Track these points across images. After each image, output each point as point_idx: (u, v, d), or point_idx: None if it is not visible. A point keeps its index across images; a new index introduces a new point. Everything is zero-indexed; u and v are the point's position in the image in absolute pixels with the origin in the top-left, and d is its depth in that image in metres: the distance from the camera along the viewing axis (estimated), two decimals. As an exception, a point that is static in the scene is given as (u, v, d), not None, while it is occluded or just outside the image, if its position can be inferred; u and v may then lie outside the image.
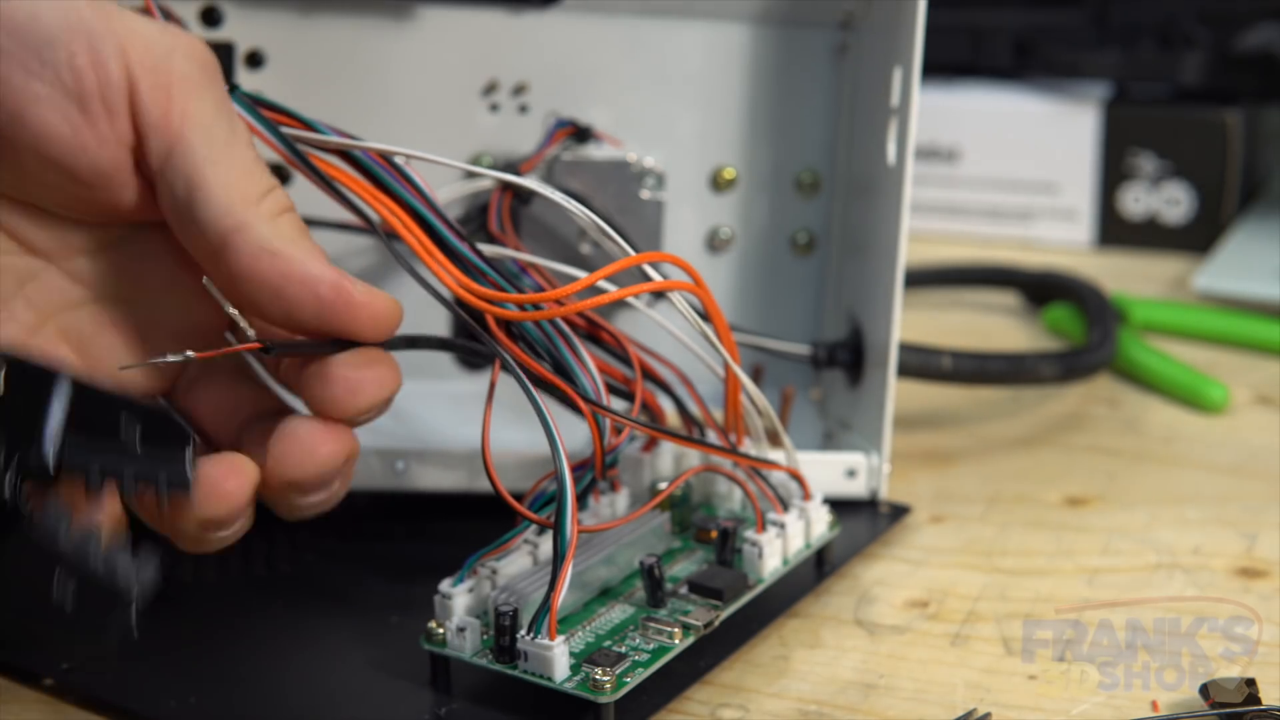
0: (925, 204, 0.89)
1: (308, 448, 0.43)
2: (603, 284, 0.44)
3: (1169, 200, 0.87)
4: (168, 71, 0.43)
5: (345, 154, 0.47)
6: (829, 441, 0.60)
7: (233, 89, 0.48)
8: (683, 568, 0.50)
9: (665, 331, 0.50)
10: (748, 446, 0.51)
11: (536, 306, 0.45)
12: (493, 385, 0.46)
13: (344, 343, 0.44)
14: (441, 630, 0.45)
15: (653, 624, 0.46)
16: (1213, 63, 0.86)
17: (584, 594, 0.47)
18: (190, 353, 0.42)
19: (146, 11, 0.51)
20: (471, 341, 0.46)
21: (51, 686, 0.47)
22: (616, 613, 0.47)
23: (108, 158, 0.42)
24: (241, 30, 0.57)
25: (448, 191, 0.55)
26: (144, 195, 0.44)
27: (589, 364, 0.46)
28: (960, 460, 0.63)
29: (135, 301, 0.46)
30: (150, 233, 0.45)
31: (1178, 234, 0.87)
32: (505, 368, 0.45)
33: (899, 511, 0.57)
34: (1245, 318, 0.75)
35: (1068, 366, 0.65)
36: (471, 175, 0.55)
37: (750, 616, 0.49)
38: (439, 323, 0.58)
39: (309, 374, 0.44)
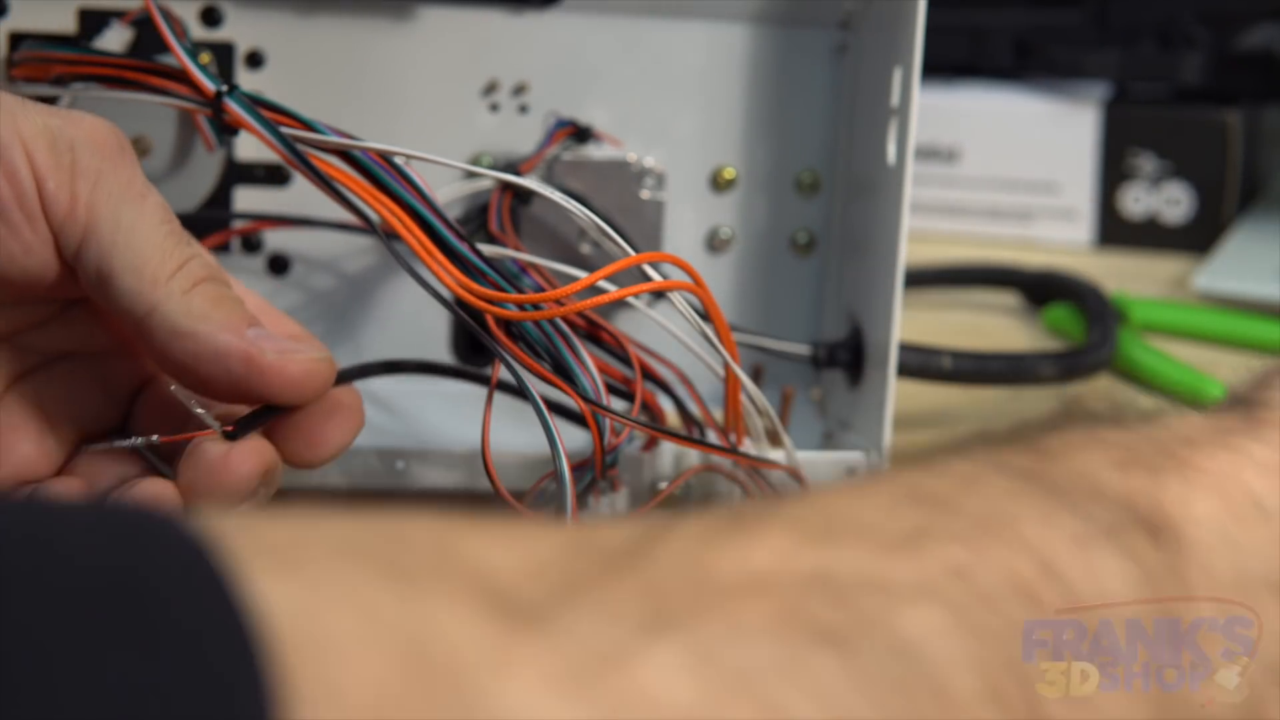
0: (925, 204, 0.89)
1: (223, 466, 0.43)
2: (603, 284, 0.44)
3: (1169, 200, 0.87)
4: (70, 166, 0.42)
5: (345, 154, 0.47)
6: (829, 441, 0.60)
7: (232, 89, 0.48)
8: (683, 568, 0.49)
9: (665, 331, 0.50)
10: (748, 446, 0.51)
11: (537, 306, 0.45)
12: (492, 389, 0.46)
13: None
14: (441, 630, 0.45)
15: (653, 624, 0.46)
16: (1213, 63, 0.86)
17: (584, 594, 0.47)
18: (155, 437, 0.43)
19: (146, 13, 0.51)
20: (447, 364, 0.46)
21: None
22: (616, 613, 0.47)
23: (36, 261, 0.42)
24: (241, 30, 0.57)
25: (448, 191, 0.55)
26: (74, 279, 0.44)
27: (589, 364, 0.46)
28: (960, 460, 0.62)
29: (84, 361, 0.46)
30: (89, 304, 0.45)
31: (1178, 234, 0.87)
32: (505, 368, 0.45)
33: (899, 511, 0.57)
34: (1245, 318, 0.75)
35: (1068, 366, 0.65)
36: (471, 175, 0.55)
37: (750, 616, 0.49)
38: (439, 322, 0.58)
39: (276, 434, 0.44)
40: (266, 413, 0.43)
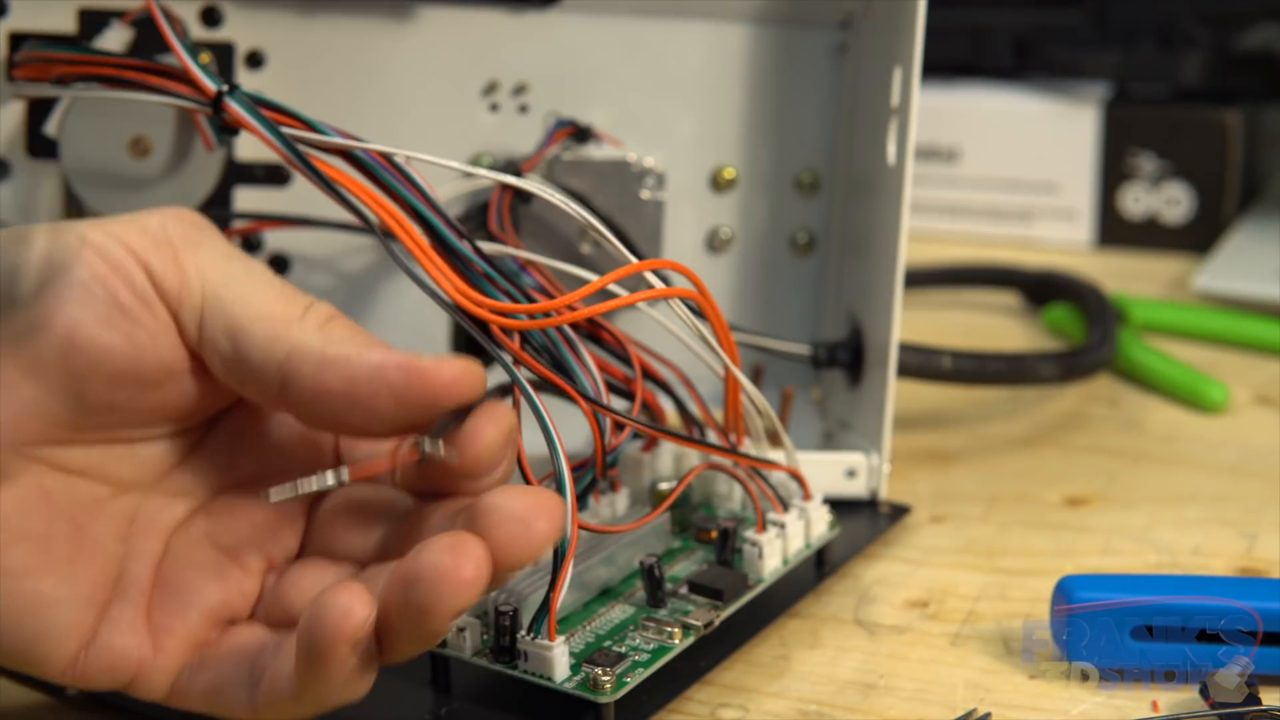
0: (925, 204, 0.89)
1: (525, 522, 0.40)
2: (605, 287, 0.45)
3: (1169, 200, 0.87)
4: (168, 242, 0.42)
5: (346, 154, 0.47)
6: (829, 441, 0.60)
7: (232, 89, 0.48)
8: (683, 568, 0.50)
9: (666, 331, 0.50)
10: (748, 447, 0.51)
11: (546, 315, 0.45)
12: (517, 396, 0.46)
13: (465, 409, 0.43)
14: (442, 630, 0.45)
15: (653, 624, 0.46)
16: (1213, 63, 0.86)
17: (584, 594, 0.47)
18: (345, 470, 0.41)
19: (147, 12, 0.51)
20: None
21: (74, 696, 0.47)
22: (616, 613, 0.47)
23: (165, 348, 0.42)
24: (241, 30, 0.57)
25: (448, 190, 0.55)
26: (207, 378, 0.43)
27: (589, 364, 0.46)
28: (960, 460, 0.63)
29: (240, 487, 0.45)
30: (222, 425, 0.45)
31: (1178, 234, 0.87)
32: (505, 369, 0.45)
33: (899, 511, 0.57)
34: (1245, 318, 0.75)
35: (1068, 366, 0.65)
36: (471, 174, 0.55)
37: (750, 616, 0.49)
38: (439, 322, 0.58)
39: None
40: (450, 420, 0.42)
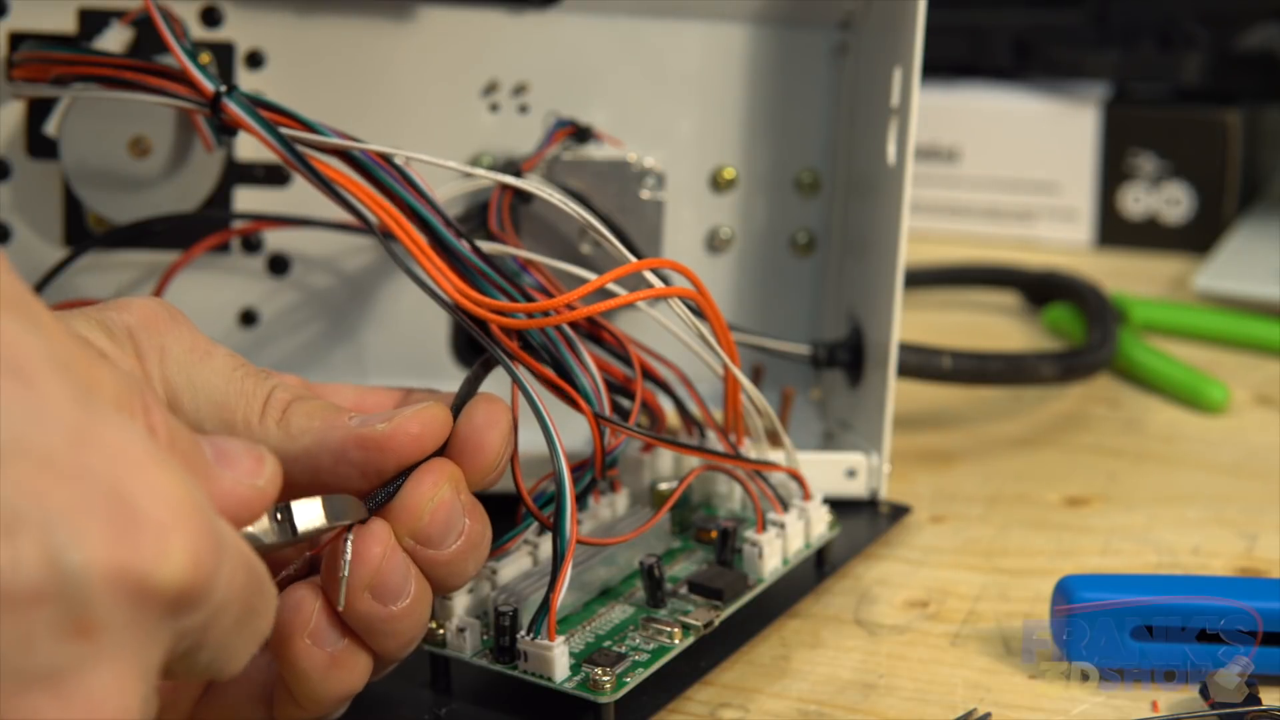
0: (925, 204, 0.89)
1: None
2: (606, 287, 0.45)
3: (1169, 200, 0.87)
4: (134, 353, 0.41)
5: (345, 155, 0.47)
6: (829, 441, 0.60)
7: (230, 89, 0.48)
8: (683, 568, 0.50)
9: (666, 331, 0.50)
10: (748, 447, 0.51)
11: (544, 313, 0.45)
12: (515, 395, 0.46)
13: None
14: (441, 630, 0.45)
15: (653, 624, 0.46)
16: (1213, 63, 0.86)
17: (584, 594, 0.47)
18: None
19: (146, 13, 0.51)
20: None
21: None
22: (616, 613, 0.47)
23: None
24: (241, 30, 0.57)
25: (448, 190, 0.55)
26: None
27: (589, 365, 0.46)
28: (960, 460, 0.63)
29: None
30: None
31: (1178, 234, 0.87)
32: (505, 369, 0.45)
33: (899, 511, 0.57)
34: (1245, 318, 0.75)
35: (1068, 366, 0.65)
36: (471, 175, 0.55)
37: (750, 616, 0.49)
38: (439, 322, 0.59)
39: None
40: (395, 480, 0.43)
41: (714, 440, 0.52)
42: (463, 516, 0.42)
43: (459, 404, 0.44)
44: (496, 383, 0.45)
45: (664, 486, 0.51)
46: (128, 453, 0.32)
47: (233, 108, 0.47)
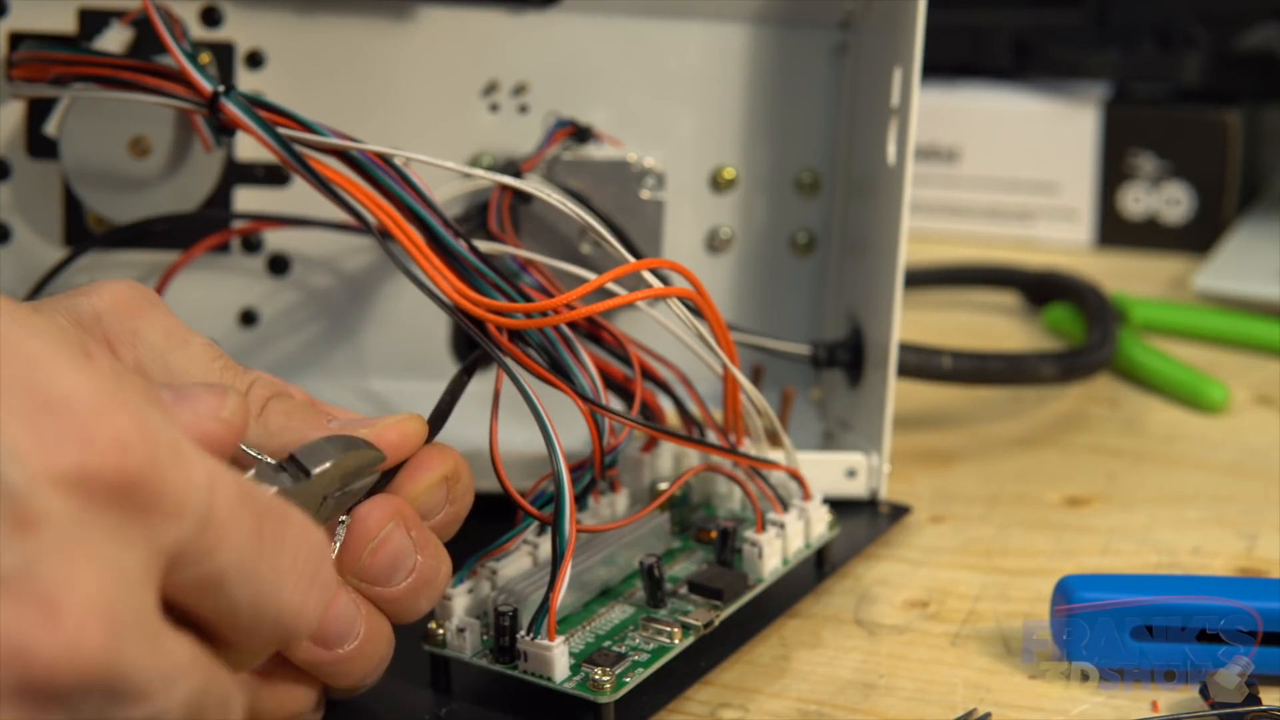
0: (925, 204, 0.89)
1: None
2: (606, 286, 0.44)
3: (1169, 200, 0.87)
4: (103, 339, 0.41)
5: (344, 155, 0.47)
6: (829, 441, 0.60)
7: (229, 90, 0.48)
8: (683, 568, 0.49)
9: (665, 331, 0.50)
10: (748, 447, 0.51)
11: (541, 314, 0.45)
12: (497, 393, 0.46)
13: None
14: (441, 631, 0.45)
15: (653, 624, 0.46)
16: (1213, 63, 0.86)
17: (584, 594, 0.47)
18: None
19: (145, 13, 0.51)
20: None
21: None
22: (616, 613, 0.47)
23: None
24: (241, 30, 0.57)
25: (448, 190, 0.55)
26: None
27: (588, 364, 0.46)
28: (960, 460, 0.63)
29: None
30: None
31: (1178, 234, 0.87)
32: (504, 369, 0.45)
33: (899, 511, 0.57)
34: (1245, 318, 0.75)
35: (1068, 366, 0.65)
36: (470, 175, 0.55)
37: (750, 616, 0.49)
38: (439, 322, 0.58)
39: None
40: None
41: (714, 440, 0.52)
42: (413, 553, 0.42)
43: (438, 414, 0.44)
44: (491, 382, 0.45)
45: (664, 486, 0.51)
46: (54, 360, 0.32)
47: (230, 108, 0.47)
